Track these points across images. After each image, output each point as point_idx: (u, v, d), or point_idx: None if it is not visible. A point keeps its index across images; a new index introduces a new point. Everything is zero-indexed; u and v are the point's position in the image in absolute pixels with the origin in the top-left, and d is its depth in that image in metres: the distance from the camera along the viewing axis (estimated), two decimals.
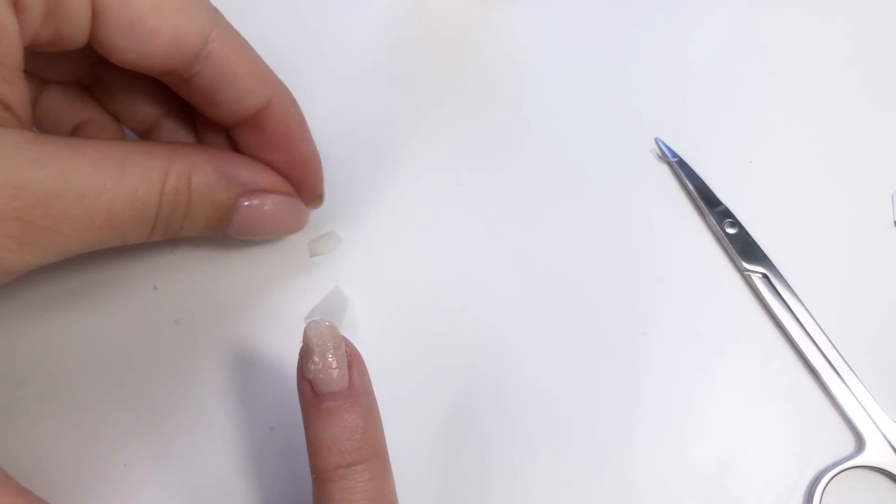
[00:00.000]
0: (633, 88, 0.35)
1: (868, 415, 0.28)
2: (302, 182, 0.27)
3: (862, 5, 0.38)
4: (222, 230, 0.26)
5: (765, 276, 0.30)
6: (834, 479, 0.27)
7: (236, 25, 0.24)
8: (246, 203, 0.25)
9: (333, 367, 0.21)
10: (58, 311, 0.27)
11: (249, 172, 0.25)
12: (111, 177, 0.21)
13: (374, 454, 0.21)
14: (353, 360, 0.21)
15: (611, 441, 0.27)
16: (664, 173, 0.33)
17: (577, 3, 0.37)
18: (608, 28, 0.37)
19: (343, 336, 0.21)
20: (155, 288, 0.28)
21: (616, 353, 0.29)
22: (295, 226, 0.28)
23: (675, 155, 0.33)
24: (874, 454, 0.27)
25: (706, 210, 0.31)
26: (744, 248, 0.31)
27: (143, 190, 0.22)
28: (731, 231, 0.31)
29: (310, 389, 0.21)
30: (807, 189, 0.33)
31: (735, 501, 0.27)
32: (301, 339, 0.21)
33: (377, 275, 0.29)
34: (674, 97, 0.35)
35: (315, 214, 0.29)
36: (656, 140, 0.33)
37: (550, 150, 0.33)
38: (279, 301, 0.28)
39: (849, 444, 0.28)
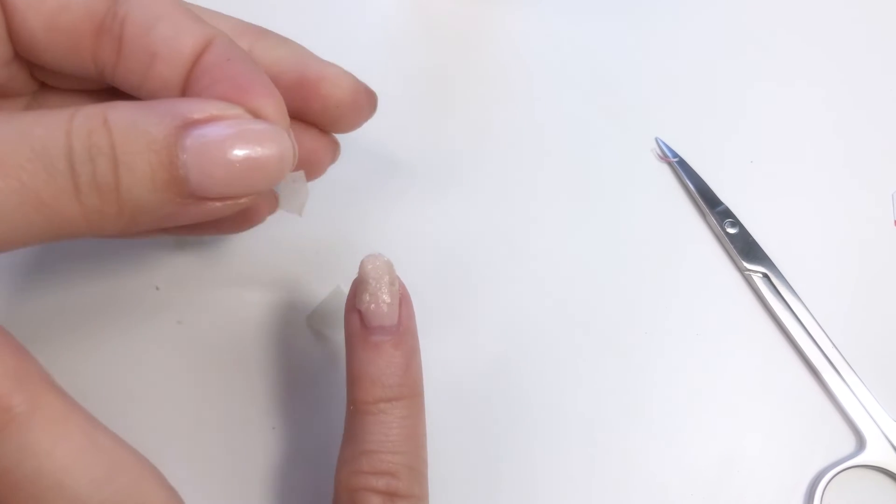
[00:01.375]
0: (633, 88, 0.35)
1: (868, 414, 0.28)
2: None
3: (863, 5, 0.38)
4: (182, 189, 0.18)
5: (765, 275, 0.30)
6: (835, 478, 0.27)
7: None
8: (192, 137, 0.18)
9: (387, 301, 0.21)
10: (59, 310, 0.27)
11: (186, 102, 0.19)
12: (16, 132, 0.17)
13: (414, 393, 0.21)
14: (404, 299, 0.22)
15: (611, 440, 0.27)
16: (664, 173, 0.33)
17: (578, 3, 0.37)
18: (609, 28, 0.37)
19: (397, 275, 0.21)
20: (157, 288, 0.28)
21: (617, 353, 0.29)
22: (278, 159, 0.19)
23: (675, 155, 0.33)
24: (875, 453, 0.27)
25: (707, 210, 0.31)
26: (744, 248, 0.31)
27: (40, 131, 0.17)
28: (731, 231, 0.31)
29: (359, 321, 0.21)
30: (807, 189, 0.33)
31: (736, 501, 0.27)
32: (358, 271, 0.21)
33: None
34: (674, 97, 0.35)
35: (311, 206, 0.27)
36: (656, 140, 0.33)
37: (550, 149, 0.33)
38: (280, 301, 0.29)
39: (849, 444, 0.28)
